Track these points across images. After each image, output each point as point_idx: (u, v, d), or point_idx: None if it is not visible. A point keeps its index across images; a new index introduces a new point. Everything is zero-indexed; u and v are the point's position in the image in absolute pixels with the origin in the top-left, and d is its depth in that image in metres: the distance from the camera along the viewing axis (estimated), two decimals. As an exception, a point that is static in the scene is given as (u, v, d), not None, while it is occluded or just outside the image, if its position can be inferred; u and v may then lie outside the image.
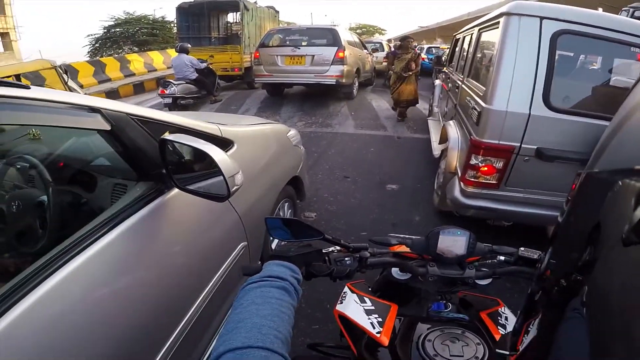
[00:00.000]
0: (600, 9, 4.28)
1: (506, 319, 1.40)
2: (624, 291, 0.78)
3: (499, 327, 1.34)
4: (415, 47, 11.08)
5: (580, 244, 1.00)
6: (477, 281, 1.33)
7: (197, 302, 1.84)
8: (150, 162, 1.66)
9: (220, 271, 2.06)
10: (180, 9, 14.86)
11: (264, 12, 16.71)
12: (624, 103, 1.09)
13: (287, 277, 1.04)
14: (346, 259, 1.28)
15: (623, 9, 8.72)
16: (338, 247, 1.32)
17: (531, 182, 3.37)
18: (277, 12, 18.81)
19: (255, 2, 15.83)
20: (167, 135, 1.62)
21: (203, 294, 1.89)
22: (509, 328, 1.34)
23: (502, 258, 1.38)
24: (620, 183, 0.87)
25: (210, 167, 1.62)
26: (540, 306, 1.13)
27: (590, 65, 5.26)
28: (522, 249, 1.36)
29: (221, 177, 1.59)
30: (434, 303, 1.40)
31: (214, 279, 2.00)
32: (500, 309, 1.45)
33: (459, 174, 3.67)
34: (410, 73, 9.12)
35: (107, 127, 1.47)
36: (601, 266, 0.87)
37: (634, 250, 0.71)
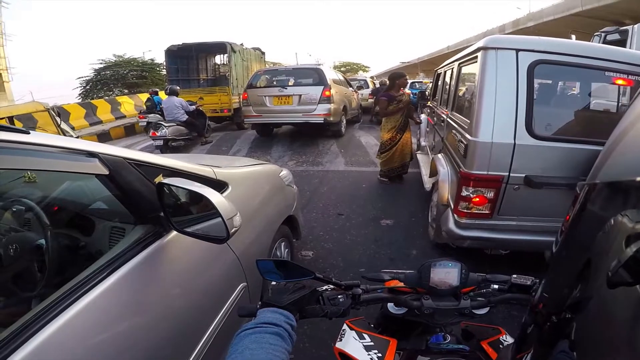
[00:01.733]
0: (573, 36, 4.41)
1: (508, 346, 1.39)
2: (613, 337, 0.78)
3: None
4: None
5: (571, 280, 1.00)
6: (474, 311, 1.33)
7: (200, 346, 1.82)
8: (148, 206, 1.68)
9: (222, 313, 2.05)
10: (169, 52, 15.07)
11: (251, 54, 16.99)
12: (626, 113, 1.11)
13: (281, 323, 1.05)
14: (339, 297, 1.28)
15: (595, 34, 8.94)
16: (331, 286, 1.32)
17: (523, 210, 3.41)
18: (263, 53, 19.15)
19: (242, 44, 16.11)
20: (165, 179, 1.64)
21: (205, 337, 1.87)
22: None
23: (496, 286, 1.39)
24: (612, 221, 0.86)
25: (207, 209, 1.64)
26: (533, 340, 1.13)
27: (569, 91, 5.38)
28: (514, 276, 1.37)
29: (220, 219, 1.60)
30: (433, 335, 1.40)
31: (215, 321, 1.98)
32: (501, 337, 1.46)
33: (452, 206, 3.70)
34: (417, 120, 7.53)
35: (105, 172, 1.48)
36: (591, 307, 0.87)
37: (621, 292, 0.71)
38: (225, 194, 2.34)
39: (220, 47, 15.44)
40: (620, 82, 3.26)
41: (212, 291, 2.06)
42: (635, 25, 7.70)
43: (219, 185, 2.34)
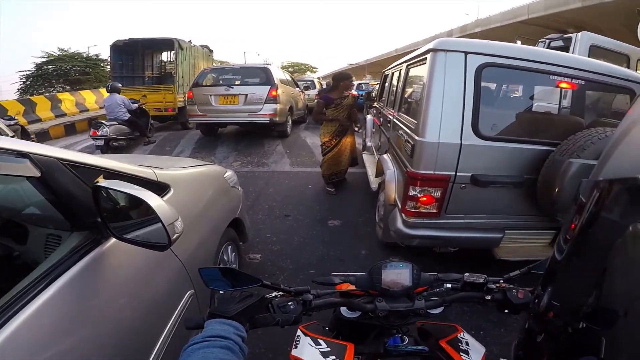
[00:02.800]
0: (519, 42, 4.55)
1: (467, 344, 1.39)
2: None
3: (461, 354, 1.33)
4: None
5: (586, 289, 0.97)
6: (429, 310, 1.33)
7: (152, 358, 1.74)
8: (84, 211, 1.56)
9: (170, 323, 1.95)
10: (114, 47, 14.63)
11: (198, 52, 16.69)
12: (630, 110, 1.10)
13: (231, 336, 1.01)
14: (289, 303, 1.26)
15: (539, 40, 9.22)
16: (280, 292, 1.29)
17: (470, 208, 3.47)
18: (212, 51, 18.84)
19: (190, 41, 15.80)
20: (101, 182, 1.54)
21: (155, 350, 1.78)
22: (472, 353, 1.34)
23: (449, 285, 1.40)
24: (630, 228, 0.84)
25: (147, 214, 1.55)
26: (547, 350, 1.11)
27: (514, 93, 5.54)
28: (467, 274, 1.38)
29: (160, 225, 1.52)
30: (390, 338, 1.38)
31: (165, 333, 1.89)
32: (459, 334, 1.45)
33: (399, 206, 3.72)
34: (357, 128, 7.01)
35: (37, 174, 1.37)
36: (626, 321, 0.82)
37: None
38: (166, 197, 2.24)
39: (167, 44, 15.12)
40: (563, 85, 3.39)
41: (158, 301, 1.95)
42: (579, 33, 8.00)
43: (160, 188, 2.23)
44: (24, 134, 10.52)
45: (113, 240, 1.64)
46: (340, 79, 6.43)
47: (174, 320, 1.98)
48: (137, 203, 1.58)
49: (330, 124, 6.50)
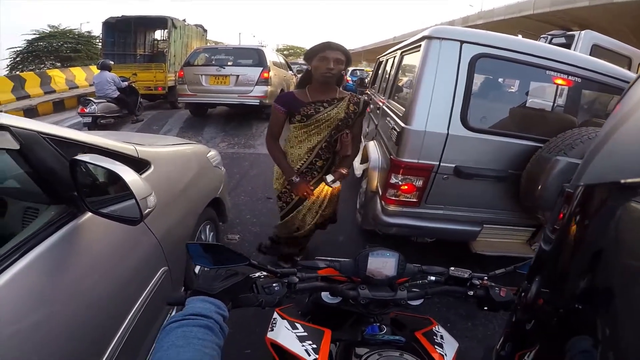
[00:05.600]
0: (520, 36, 4.52)
1: (441, 337, 1.41)
2: None
3: (436, 347, 1.34)
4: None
5: (578, 271, 0.99)
6: (409, 302, 1.34)
7: (120, 333, 1.74)
8: (62, 184, 1.57)
9: (142, 298, 1.97)
10: (107, 24, 14.51)
11: (192, 31, 16.59)
12: (613, 113, 1.12)
13: (212, 315, 1.00)
14: (274, 285, 1.25)
15: (542, 36, 9.21)
16: (265, 273, 1.29)
17: (451, 199, 3.48)
18: (205, 30, 18.72)
19: (184, 20, 15.70)
20: (78, 156, 1.54)
21: (125, 324, 1.79)
22: (446, 347, 1.36)
23: (432, 278, 1.40)
24: (625, 207, 0.85)
25: (124, 189, 1.56)
26: (537, 337, 1.12)
27: (508, 88, 5.51)
28: (452, 268, 1.40)
29: (133, 200, 1.54)
30: (368, 326, 1.38)
31: (136, 307, 1.90)
32: (434, 327, 1.46)
33: (380, 193, 3.72)
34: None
35: (16, 146, 1.38)
36: (622, 299, 0.82)
37: None
38: (146, 173, 2.26)
39: (161, 22, 14.99)
40: (559, 81, 3.38)
41: (131, 276, 1.96)
42: (582, 32, 8.00)
43: (141, 164, 2.24)
44: None
45: (89, 214, 1.65)
46: (313, 55, 3.00)
47: (145, 294, 2.00)
48: (115, 178, 1.58)
49: (296, 154, 3.26)
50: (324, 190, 3.33)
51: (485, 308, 1.35)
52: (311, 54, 3.01)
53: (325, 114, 3.07)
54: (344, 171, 3.24)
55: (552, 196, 2.82)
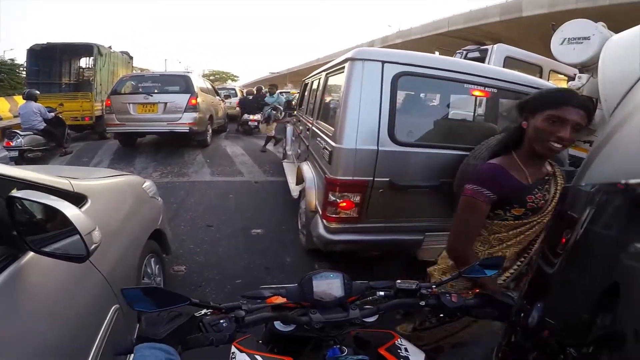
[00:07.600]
0: (437, 52, 4.73)
1: (406, 350, 1.38)
2: None
3: None
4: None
5: (589, 307, 0.90)
6: (364, 319, 1.32)
7: None
8: (-1, 224, 1.48)
9: (97, 342, 1.85)
10: (31, 52, 13.90)
11: (118, 58, 16.12)
12: (611, 117, 1.13)
13: None
14: (221, 321, 1.20)
15: (457, 52, 9.65)
16: (209, 310, 1.25)
17: (391, 212, 3.55)
18: (131, 57, 18.25)
19: (110, 47, 15.26)
20: (15, 193, 1.47)
21: None
22: (412, 359, 1.34)
23: (382, 293, 1.40)
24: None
25: (65, 225, 1.49)
26: None
27: (430, 102, 5.73)
28: (398, 281, 1.39)
29: (77, 236, 1.47)
30: (329, 349, 1.34)
31: (92, 353, 1.78)
32: (397, 341, 1.43)
33: (320, 212, 3.76)
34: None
35: None
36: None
37: None
38: (84, 208, 2.15)
39: (86, 49, 14.59)
40: (477, 93, 3.58)
41: (82, 317, 1.84)
42: (495, 45, 8.52)
43: (78, 199, 2.14)
44: None
45: (31, 254, 1.56)
46: (537, 109, 1.86)
47: (100, 337, 1.89)
48: (55, 214, 1.50)
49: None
50: None
51: (442, 315, 1.38)
52: (534, 106, 1.88)
53: (553, 203, 1.98)
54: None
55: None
